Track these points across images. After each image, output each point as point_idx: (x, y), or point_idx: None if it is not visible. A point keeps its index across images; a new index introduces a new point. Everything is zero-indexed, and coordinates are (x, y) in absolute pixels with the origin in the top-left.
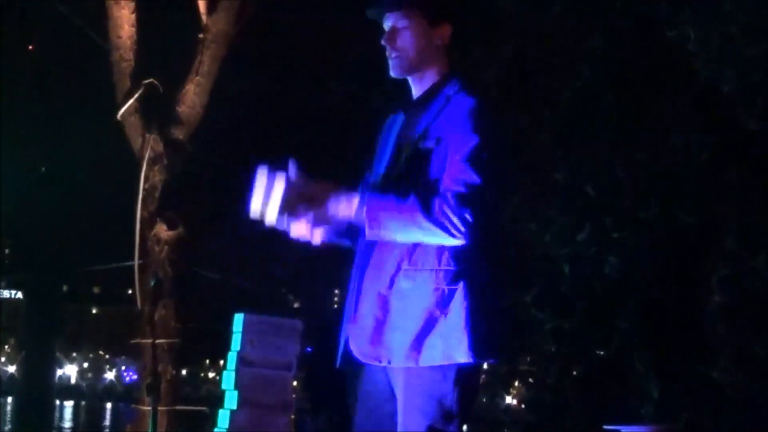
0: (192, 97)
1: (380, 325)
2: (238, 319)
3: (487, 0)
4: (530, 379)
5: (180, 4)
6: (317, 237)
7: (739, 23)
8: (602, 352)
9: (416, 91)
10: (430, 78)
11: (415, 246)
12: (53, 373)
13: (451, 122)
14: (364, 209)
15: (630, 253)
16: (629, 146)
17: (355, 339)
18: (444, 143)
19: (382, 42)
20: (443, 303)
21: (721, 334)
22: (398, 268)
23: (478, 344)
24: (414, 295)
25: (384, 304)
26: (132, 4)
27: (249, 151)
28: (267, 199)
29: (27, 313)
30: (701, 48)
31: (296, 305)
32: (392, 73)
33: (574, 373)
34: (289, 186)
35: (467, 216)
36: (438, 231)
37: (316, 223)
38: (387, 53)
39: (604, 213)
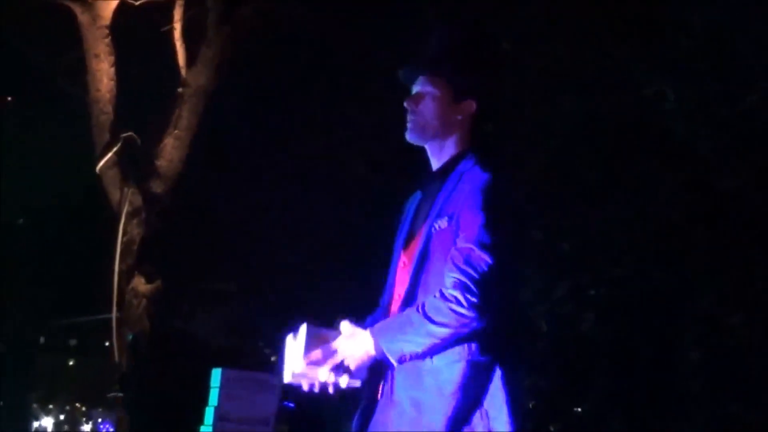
0: (170, 150)
1: (417, 404)
2: (216, 373)
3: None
4: None
5: (159, 59)
6: (343, 383)
7: (715, 83)
8: (578, 409)
9: (434, 165)
10: (448, 152)
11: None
12: (30, 425)
13: (462, 199)
14: (380, 345)
15: (606, 310)
16: (604, 204)
17: (382, 414)
18: (455, 221)
19: (405, 104)
20: (479, 376)
21: (696, 392)
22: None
23: (516, 413)
24: (447, 371)
25: (418, 382)
26: (112, 58)
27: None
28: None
29: (3, 364)
30: (677, 107)
31: (273, 359)
32: (407, 137)
33: (551, 429)
34: (311, 333)
35: (476, 300)
36: (451, 330)
37: (338, 372)
38: (407, 116)
39: (580, 270)
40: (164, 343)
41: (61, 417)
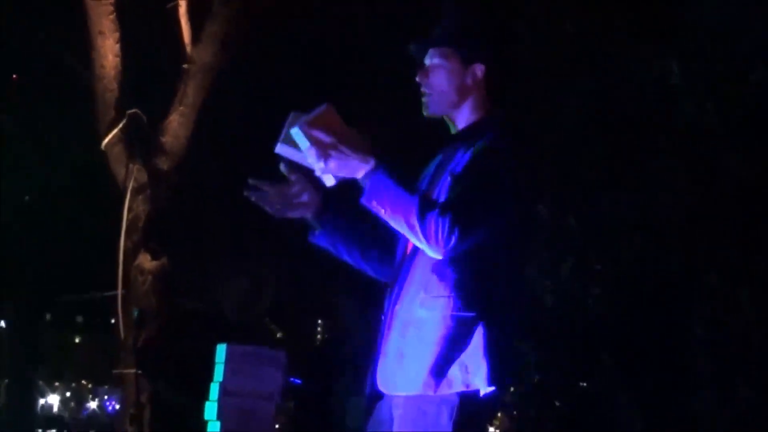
0: (176, 127)
1: (401, 355)
2: (221, 349)
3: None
4: (514, 412)
5: (164, 35)
6: (328, 181)
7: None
8: (585, 384)
9: (453, 131)
10: (464, 117)
11: (432, 275)
12: (35, 402)
13: (473, 158)
14: (372, 177)
15: (613, 286)
16: (613, 181)
17: (381, 370)
18: (459, 173)
19: (417, 79)
20: (461, 330)
21: (704, 368)
22: (416, 298)
23: (495, 370)
24: (431, 323)
25: (404, 334)
26: (116, 35)
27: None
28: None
29: (9, 341)
30: (685, 88)
31: (279, 335)
32: (425, 112)
33: (557, 404)
34: (327, 109)
35: (454, 235)
36: (420, 237)
37: (320, 157)
38: (421, 91)
39: (587, 246)
40: (171, 320)
41: (68, 394)
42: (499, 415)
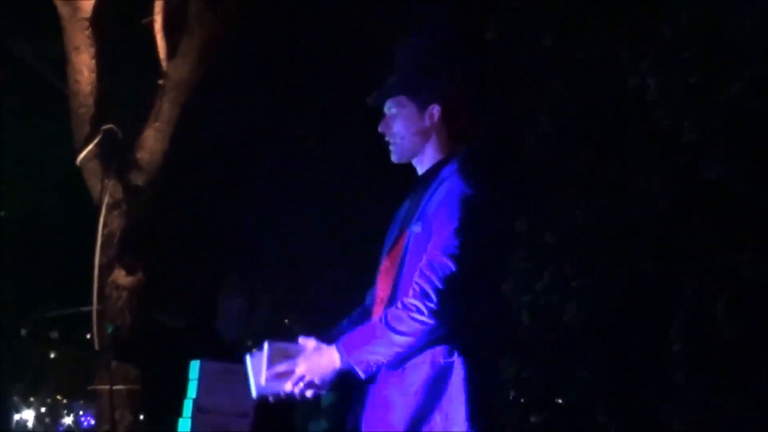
0: (151, 143)
1: (385, 403)
2: (194, 366)
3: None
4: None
5: (140, 51)
6: (309, 394)
7: (699, 72)
8: (561, 400)
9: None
10: (429, 159)
11: None
12: (10, 418)
13: (437, 205)
14: (346, 356)
15: (590, 300)
16: (589, 194)
17: (366, 415)
18: (428, 227)
19: (379, 130)
20: (439, 375)
21: (681, 381)
22: None
23: (474, 414)
24: (411, 370)
25: (386, 382)
26: (92, 50)
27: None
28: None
29: None
30: (661, 96)
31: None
32: (393, 160)
33: (533, 420)
34: (273, 349)
35: (435, 308)
36: (414, 339)
37: (304, 386)
38: (386, 141)
39: (564, 260)
40: (146, 335)
41: (42, 410)
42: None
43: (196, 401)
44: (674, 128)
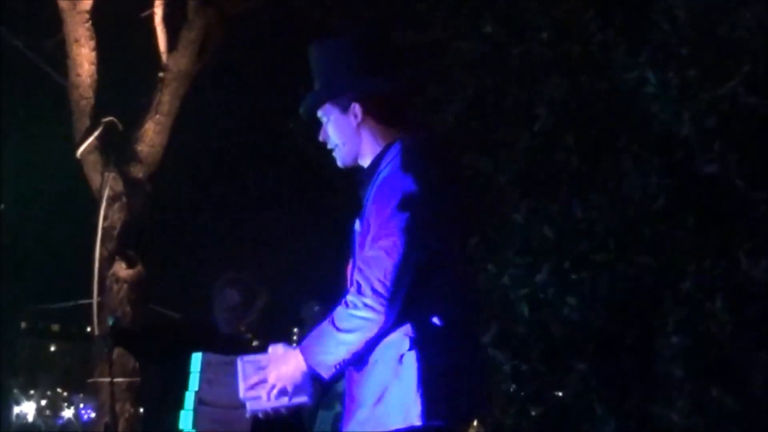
0: (151, 135)
1: (350, 400)
2: (196, 358)
3: (435, 48)
4: (488, 419)
5: (140, 43)
6: (288, 402)
7: (697, 67)
8: (560, 394)
9: None
10: (369, 157)
11: None
12: (10, 410)
13: (371, 200)
14: (306, 360)
15: (588, 294)
16: (587, 188)
17: (342, 415)
18: (367, 223)
19: (320, 140)
20: (397, 369)
21: (678, 376)
22: None
23: (430, 407)
24: (373, 367)
25: (350, 379)
26: (92, 43)
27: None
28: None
29: None
30: (659, 91)
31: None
32: (340, 165)
33: (533, 413)
34: (244, 364)
35: (373, 301)
36: (360, 333)
37: (278, 394)
38: (329, 150)
39: (562, 255)
40: (146, 328)
41: (43, 402)
42: (475, 423)
43: (197, 393)
44: (671, 123)
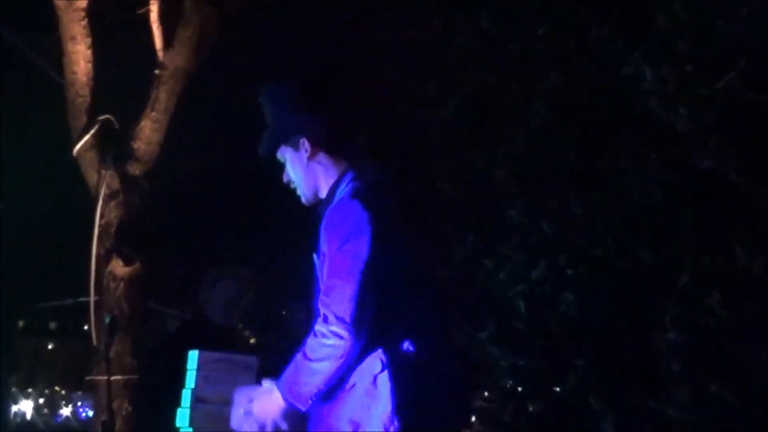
0: (148, 133)
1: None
2: (192, 356)
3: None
4: (486, 416)
5: (137, 41)
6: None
7: (694, 62)
8: (558, 389)
9: None
10: (323, 190)
11: None
12: (8, 409)
13: (325, 229)
14: (284, 394)
15: (585, 290)
16: (585, 184)
17: None
18: (323, 253)
19: (284, 181)
20: (372, 392)
21: (676, 371)
22: None
23: (405, 424)
24: (350, 392)
25: (331, 408)
26: (88, 41)
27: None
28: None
29: None
30: (656, 86)
31: (252, 341)
32: (306, 204)
33: (530, 409)
34: (238, 394)
35: (339, 329)
36: (331, 362)
37: (260, 427)
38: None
39: (560, 250)
40: (143, 325)
41: (41, 400)
42: (473, 419)
43: (194, 391)
44: (669, 118)
